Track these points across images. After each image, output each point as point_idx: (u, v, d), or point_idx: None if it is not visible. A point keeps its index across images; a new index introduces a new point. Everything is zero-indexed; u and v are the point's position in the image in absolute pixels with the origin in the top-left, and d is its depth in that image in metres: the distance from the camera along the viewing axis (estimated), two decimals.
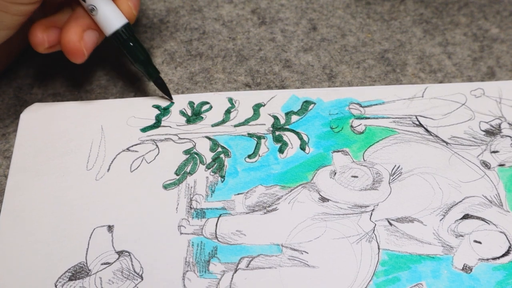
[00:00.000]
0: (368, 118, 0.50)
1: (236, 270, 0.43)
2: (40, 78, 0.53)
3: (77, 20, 0.48)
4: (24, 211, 0.46)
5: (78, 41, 0.47)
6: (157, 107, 0.51)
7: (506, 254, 0.43)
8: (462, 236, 0.44)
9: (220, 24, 0.57)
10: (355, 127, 0.49)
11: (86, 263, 0.43)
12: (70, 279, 0.43)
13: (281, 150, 0.48)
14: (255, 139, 0.49)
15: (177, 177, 0.47)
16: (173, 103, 0.51)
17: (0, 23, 0.45)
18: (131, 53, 0.49)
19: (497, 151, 0.48)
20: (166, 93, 0.51)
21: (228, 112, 0.50)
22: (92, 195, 0.46)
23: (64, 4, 0.50)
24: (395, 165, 0.47)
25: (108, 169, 0.47)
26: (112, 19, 0.48)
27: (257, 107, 0.50)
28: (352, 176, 0.47)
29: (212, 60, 0.54)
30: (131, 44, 0.49)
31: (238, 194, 0.46)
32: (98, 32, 0.49)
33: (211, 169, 0.47)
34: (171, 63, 0.54)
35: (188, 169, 0.47)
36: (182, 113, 0.50)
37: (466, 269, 0.43)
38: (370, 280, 0.42)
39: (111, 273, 0.43)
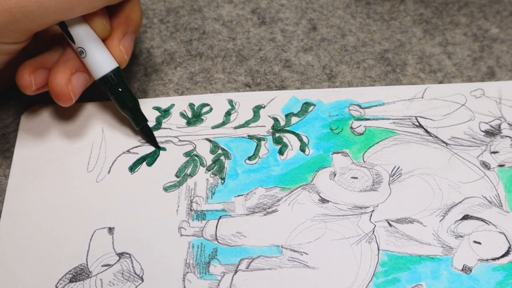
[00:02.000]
0: (368, 119, 0.50)
1: (236, 272, 0.43)
2: None
3: (66, 63, 0.46)
4: (24, 212, 0.46)
5: (66, 85, 0.45)
6: (158, 109, 0.51)
7: (505, 254, 0.43)
8: (461, 236, 0.44)
9: (220, 24, 0.57)
10: (355, 128, 0.49)
11: (87, 265, 0.43)
12: (70, 281, 0.43)
13: (281, 152, 0.48)
14: (255, 141, 0.49)
15: (178, 179, 0.47)
16: (162, 149, 0.49)
17: None
18: (119, 99, 0.47)
19: (497, 152, 0.48)
20: (153, 142, 0.49)
21: (228, 114, 0.50)
22: (93, 197, 0.46)
23: (55, 42, 0.48)
24: (395, 166, 0.47)
25: (109, 171, 0.48)
26: (102, 63, 0.46)
27: (257, 109, 0.50)
28: (352, 177, 0.47)
29: (212, 60, 0.54)
30: (120, 89, 0.47)
31: (238, 196, 0.46)
32: (88, 75, 0.47)
33: (211, 171, 0.47)
34: (171, 63, 0.54)
35: (189, 171, 0.47)
36: (183, 115, 0.50)
37: (466, 269, 0.43)
38: (370, 281, 0.42)
39: (112, 274, 0.43)
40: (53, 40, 0.48)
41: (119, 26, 0.47)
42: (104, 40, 0.47)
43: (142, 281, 0.43)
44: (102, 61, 0.46)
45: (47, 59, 0.47)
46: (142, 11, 0.49)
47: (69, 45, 0.46)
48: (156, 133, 0.49)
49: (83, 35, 0.45)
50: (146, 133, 0.49)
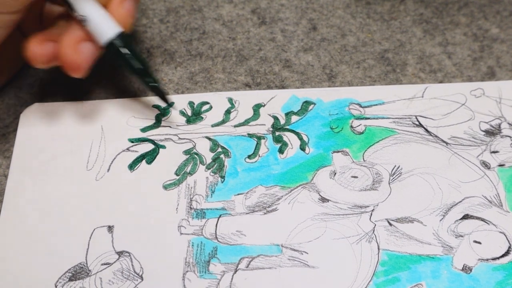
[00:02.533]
0: (368, 118, 0.50)
1: (236, 271, 0.43)
2: (40, 78, 0.53)
3: (72, 33, 0.46)
4: (24, 211, 0.46)
5: (73, 55, 0.45)
6: (157, 107, 0.51)
7: (505, 254, 0.43)
8: (462, 236, 0.44)
9: (220, 24, 0.57)
10: (355, 127, 0.49)
11: (86, 263, 0.43)
12: (70, 280, 0.43)
13: (281, 151, 0.48)
14: (255, 139, 0.49)
15: (177, 177, 0.47)
16: (171, 104, 0.49)
17: None
18: (126, 62, 0.47)
19: (497, 151, 0.48)
20: (164, 101, 0.48)
21: (228, 112, 0.50)
22: (92, 196, 0.46)
23: (60, 18, 0.48)
24: (395, 166, 0.47)
25: (108, 169, 0.47)
26: (104, 28, 0.45)
27: (257, 108, 0.50)
28: (352, 177, 0.47)
29: (212, 60, 0.54)
30: (127, 52, 0.46)
31: (238, 194, 0.46)
32: (95, 44, 0.46)
33: (211, 169, 0.47)
34: (171, 63, 0.54)
35: (188, 169, 0.47)
36: (182, 113, 0.50)
37: (466, 269, 0.43)
38: (370, 281, 0.42)
39: (111, 273, 0.43)
40: (58, 19, 0.48)
41: None
42: (105, 6, 0.46)
43: (142, 279, 0.43)
44: (104, 26, 0.46)
45: (53, 33, 0.47)
46: None
47: (72, 17, 0.46)
48: (155, 131, 0.49)
49: (82, 1, 0.45)
50: (158, 94, 0.48)
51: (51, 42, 0.46)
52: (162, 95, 0.48)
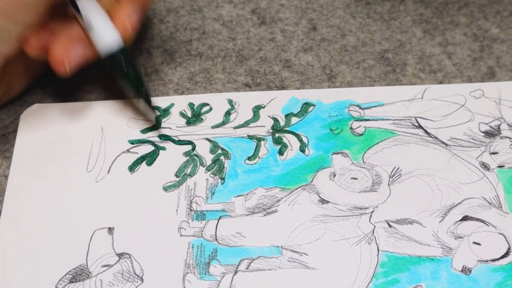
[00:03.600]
0: (368, 120, 0.50)
1: (236, 272, 0.43)
2: (40, 78, 0.53)
3: (68, 31, 0.46)
4: (24, 213, 0.46)
5: (61, 53, 0.45)
6: (157, 108, 0.51)
7: (505, 255, 0.43)
8: (461, 237, 0.44)
9: (220, 24, 0.57)
10: (354, 129, 0.49)
11: (87, 265, 0.43)
12: (70, 281, 0.43)
13: (281, 152, 0.48)
14: (255, 141, 0.49)
15: (177, 179, 0.47)
16: (158, 119, 0.50)
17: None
18: (123, 74, 0.47)
19: (496, 153, 0.48)
20: (150, 112, 0.49)
21: (228, 114, 0.50)
22: (92, 197, 0.46)
23: (66, 13, 0.48)
24: (395, 167, 0.47)
25: (108, 171, 0.48)
26: (107, 38, 0.46)
27: (257, 109, 0.50)
28: (352, 178, 0.47)
29: (212, 60, 0.54)
30: (125, 65, 0.47)
31: (238, 196, 0.46)
32: (89, 49, 0.47)
33: (211, 171, 0.47)
34: (171, 63, 0.54)
35: (188, 171, 0.47)
36: (182, 114, 0.50)
37: (465, 270, 0.43)
38: (369, 282, 0.42)
39: (112, 275, 0.43)
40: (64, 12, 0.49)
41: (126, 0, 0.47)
42: (110, 15, 0.47)
43: (142, 281, 0.43)
44: (107, 36, 0.46)
45: (55, 25, 0.47)
46: None
47: (76, 17, 0.47)
48: (155, 133, 0.49)
49: (89, 8, 0.46)
50: (147, 103, 0.49)
51: (49, 34, 0.46)
52: (151, 107, 0.49)
